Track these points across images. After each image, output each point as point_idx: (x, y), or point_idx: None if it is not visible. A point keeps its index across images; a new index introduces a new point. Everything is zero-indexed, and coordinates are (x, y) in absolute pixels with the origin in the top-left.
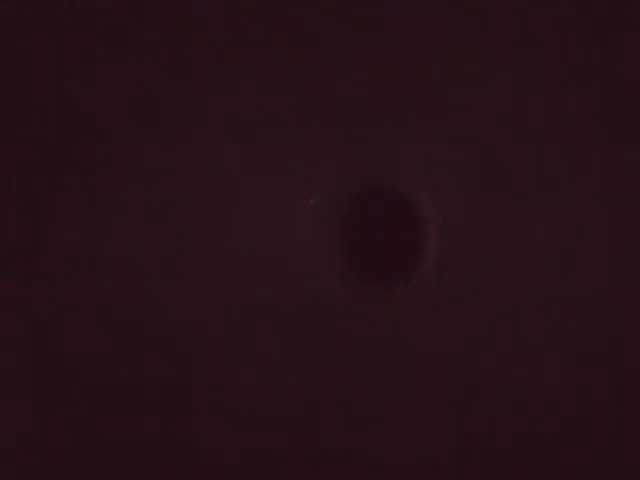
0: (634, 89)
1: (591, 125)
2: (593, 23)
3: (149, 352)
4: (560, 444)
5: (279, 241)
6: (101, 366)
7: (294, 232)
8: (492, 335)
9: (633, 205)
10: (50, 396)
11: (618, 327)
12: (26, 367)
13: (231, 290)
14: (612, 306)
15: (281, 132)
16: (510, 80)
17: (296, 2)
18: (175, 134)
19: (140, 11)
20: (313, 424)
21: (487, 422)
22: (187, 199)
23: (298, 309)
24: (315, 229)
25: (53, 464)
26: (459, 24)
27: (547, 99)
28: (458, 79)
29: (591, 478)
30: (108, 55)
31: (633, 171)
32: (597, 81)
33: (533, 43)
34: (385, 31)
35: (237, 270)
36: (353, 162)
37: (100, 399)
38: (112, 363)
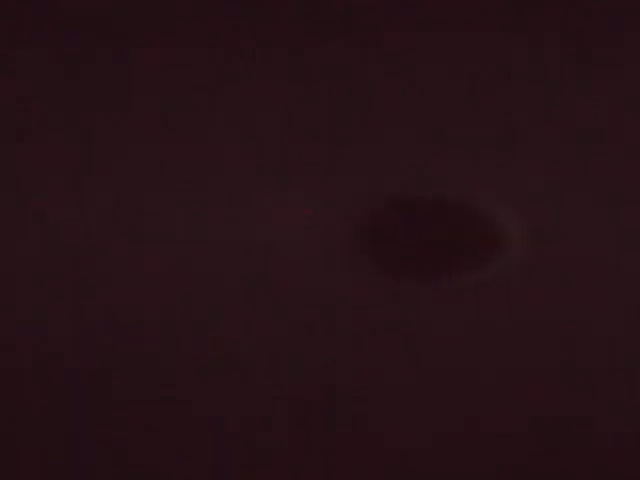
0: None
1: None
2: None
3: (150, 351)
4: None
5: (302, 241)
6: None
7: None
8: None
9: None
10: None
11: None
12: None
13: (256, 287)
14: None
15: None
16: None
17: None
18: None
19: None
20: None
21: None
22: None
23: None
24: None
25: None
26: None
27: (620, 101)
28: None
29: None
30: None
31: None
32: None
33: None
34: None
35: (261, 270)
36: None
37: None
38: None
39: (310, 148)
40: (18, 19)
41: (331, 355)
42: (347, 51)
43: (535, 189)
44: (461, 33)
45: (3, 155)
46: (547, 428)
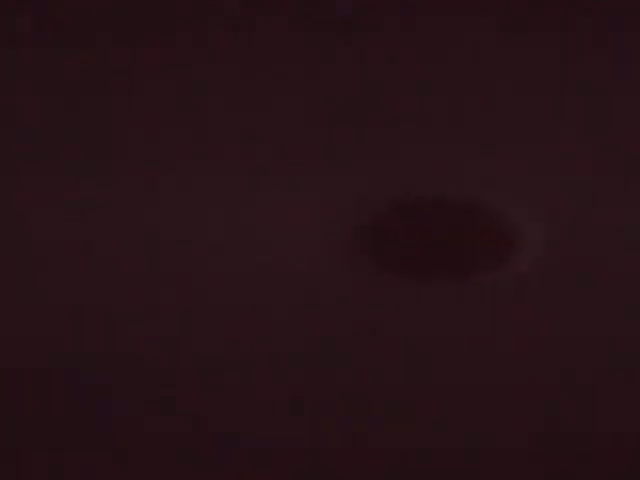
0: None
1: None
2: None
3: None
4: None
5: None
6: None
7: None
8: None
9: None
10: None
11: None
12: None
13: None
14: None
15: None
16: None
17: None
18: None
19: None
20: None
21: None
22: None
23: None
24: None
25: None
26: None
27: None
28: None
29: None
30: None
31: None
32: None
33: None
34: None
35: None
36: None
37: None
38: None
39: (310, 148)
40: (18, 18)
41: (331, 355)
42: (349, 52)
43: (552, 189)
44: (464, 29)
45: (2, 154)
46: (561, 432)
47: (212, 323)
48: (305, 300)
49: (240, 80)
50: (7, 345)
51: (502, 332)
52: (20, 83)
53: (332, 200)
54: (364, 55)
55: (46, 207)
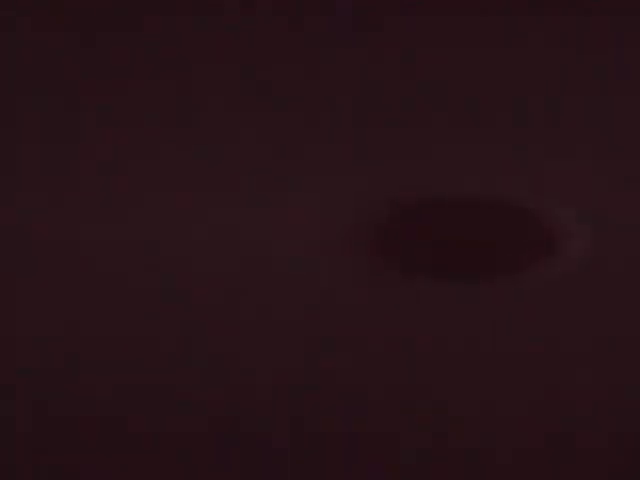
0: None
1: None
2: None
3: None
4: None
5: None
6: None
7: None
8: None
9: None
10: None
11: None
12: None
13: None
14: None
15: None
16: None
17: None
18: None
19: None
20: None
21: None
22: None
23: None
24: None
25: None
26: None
27: None
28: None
29: None
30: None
31: None
32: None
33: None
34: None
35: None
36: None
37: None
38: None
39: (310, 148)
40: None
41: (331, 355)
42: (349, 52)
43: (550, 188)
44: (464, 29)
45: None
46: (561, 432)
47: (212, 323)
48: (305, 300)
49: (240, 80)
50: (7, 345)
51: (501, 332)
52: (20, 83)
53: (332, 200)
54: (364, 55)
55: (46, 207)
